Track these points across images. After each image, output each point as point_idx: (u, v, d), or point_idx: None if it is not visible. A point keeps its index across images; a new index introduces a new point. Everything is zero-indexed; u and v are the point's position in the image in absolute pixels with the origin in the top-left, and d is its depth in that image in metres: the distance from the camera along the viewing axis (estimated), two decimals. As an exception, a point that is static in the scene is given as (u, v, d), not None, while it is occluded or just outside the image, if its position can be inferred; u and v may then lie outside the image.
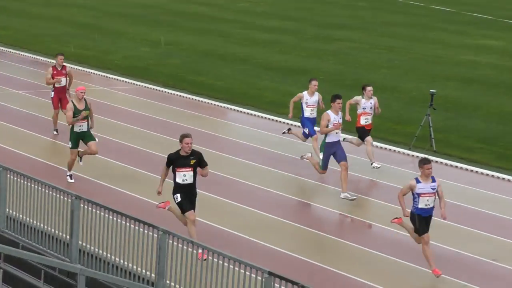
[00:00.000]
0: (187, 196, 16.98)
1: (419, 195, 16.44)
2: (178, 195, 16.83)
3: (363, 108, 23.59)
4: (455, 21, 55.28)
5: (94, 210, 16.67)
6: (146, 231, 15.99)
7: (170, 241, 15.58)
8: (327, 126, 21.04)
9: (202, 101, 32.67)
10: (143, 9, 55.38)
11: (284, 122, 29.69)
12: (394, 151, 26.99)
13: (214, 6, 57.23)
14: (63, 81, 25.67)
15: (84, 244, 16.89)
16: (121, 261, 16.41)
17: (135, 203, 20.73)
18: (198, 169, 17.08)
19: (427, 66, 40.26)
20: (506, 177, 24.82)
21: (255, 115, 30.84)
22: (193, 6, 57.23)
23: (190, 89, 34.14)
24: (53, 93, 25.75)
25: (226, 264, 14.72)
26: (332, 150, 21.17)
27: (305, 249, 18.55)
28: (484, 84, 36.91)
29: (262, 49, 43.27)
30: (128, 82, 35.19)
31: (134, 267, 16.17)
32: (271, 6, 58.68)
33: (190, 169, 16.74)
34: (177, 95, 33.38)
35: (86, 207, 16.76)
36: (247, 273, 14.53)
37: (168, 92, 33.70)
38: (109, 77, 36.07)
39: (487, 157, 26.74)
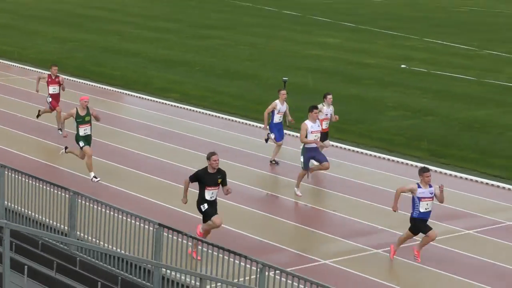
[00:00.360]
0: (212, 206, 15.61)
1: (420, 199, 15.56)
2: (206, 204, 15.38)
3: (326, 114, 22.34)
4: (302, 23, 55.66)
5: (17, 176, 16.50)
6: (59, 193, 15.91)
7: (79, 200, 15.50)
8: (306, 136, 19.80)
9: (102, 87, 32.42)
10: (53, 12, 54.66)
11: (169, 104, 29.66)
12: (256, 126, 27.15)
13: (111, 11, 56.73)
14: (57, 89, 24.24)
15: (9, 204, 16.70)
16: (40, 217, 16.30)
17: (49, 170, 20.64)
18: (223, 188, 15.67)
19: (281, 59, 40.51)
20: (345, 146, 25.24)
21: (145, 98, 30.68)
22: (93, 10, 56.62)
23: (92, 77, 33.85)
24: (50, 99, 24.33)
25: (124, 218, 14.75)
26: (312, 154, 19.98)
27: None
28: (325, 73, 37.28)
29: (150, 45, 43.04)
30: (42, 72, 34.63)
31: (51, 221, 16.07)
32: (157, 10, 58.37)
33: (217, 187, 15.45)
34: (82, 82, 33.05)
35: (10, 174, 16.57)
36: (141, 224, 14.56)
37: (75, 81, 33.30)
38: (26, 68, 35.55)
39: (330, 130, 27.02)
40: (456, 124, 28.86)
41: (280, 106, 22.58)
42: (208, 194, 15.24)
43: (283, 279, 12.93)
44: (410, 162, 23.84)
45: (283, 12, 61.41)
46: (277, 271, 13.04)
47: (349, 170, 22.73)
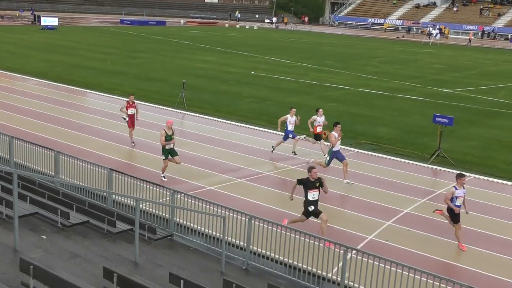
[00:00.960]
0: (315, 206, 13.03)
1: (457, 198, 13.29)
2: (312, 206, 12.90)
3: (318, 122, 20.12)
4: (192, 48, 55.12)
5: (23, 143, 15.76)
6: (49, 152, 15.26)
7: (61, 156, 14.87)
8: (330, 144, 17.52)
9: (73, 88, 31.15)
10: (40, 44, 52.02)
11: (114, 98, 28.81)
12: (167, 109, 26.71)
13: (77, 42, 54.55)
14: (133, 111, 20.28)
15: (16, 160, 15.94)
16: (36, 166, 15.61)
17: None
18: (322, 189, 13.14)
19: (180, 69, 39.91)
20: (220, 120, 24.98)
21: (99, 94, 29.70)
22: (66, 42, 54.35)
23: (67, 83, 32.47)
24: (127, 118, 20.29)
25: (88, 165, 14.30)
26: (335, 155, 17.42)
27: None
28: (207, 77, 36.95)
29: (101, 63, 41.62)
30: (36, 80, 33.13)
31: (44, 169, 15.43)
32: (106, 42, 56.56)
33: (317, 190, 13.02)
34: (62, 86, 31.69)
35: (18, 142, 15.78)
36: (99, 169, 14.14)
37: (57, 85, 31.91)
38: (26, 78, 33.79)
39: (211, 110, 26.91)
40: (284, 106, 28.90)
41: (290, 118, 20.16)
42: (310, 195, 12.99)
43: (187, 199, 12.77)
44: (257, 128, 23.98)
45: (182, 42, 60.67)
46: (183, 194, 12.87)
47: (223, 133, 22.64)
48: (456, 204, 13.20)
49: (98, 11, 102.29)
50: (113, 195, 13.84)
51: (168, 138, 16.62)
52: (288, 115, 20.31)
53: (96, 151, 19.04)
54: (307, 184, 12.96)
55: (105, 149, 19.24)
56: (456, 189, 13.25)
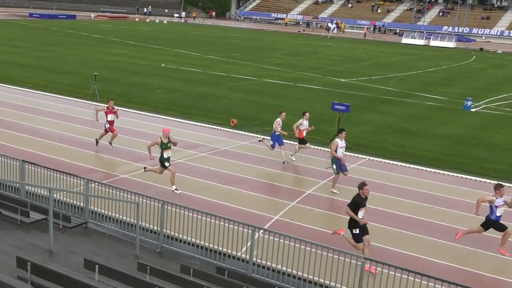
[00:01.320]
0: (363, 229, 11.56)
1: (497, 207, 12.34)
2: (358, 229, 11.48)
3: (304, 126, 18.45)
4: (104, 41, 53.60)
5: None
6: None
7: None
8: (336, 151, 15.68)
9: (12, 87, 29.69)
10: None
11: (25, 91, 27.53)
12: (79, 101, 25.85)
13: (5, 39, 51.79)
14: (113, 117, 18.47)
15: None
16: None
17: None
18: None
19: (92, 62, 38.73)
20: (133, 110, 24.46)
21: (10, 87, 28.24)
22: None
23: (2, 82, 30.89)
24: (108, 124, 18.46)
25: (11, 161, 13.54)
26: (339, 163, 15.75)
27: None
28: (119, 69, 36.13)
29: (11, 56, 39.73)
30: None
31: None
32: (14, 35, 53.91)
33: (365, 207, 11.55)
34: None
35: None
36: (11, 161, 13.47)
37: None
38: None
39: (123, 102, 26.25)
40: (194, 96, 28.98)
41: (280, 123, 18.44)
42: (360, 214, 11.51)
43: (101, 187, 12.48)
44: (169, 118, 23.72)
45: (93, 35, 58.81)
46: (97, 183, 12.55)
47: (136, 123, 22.17)
48: (497, 214, 12.53)
49: (5, 4, 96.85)
50: (26, 186, 13.28)
51: (164, 146, 15.10)
52: (279, 119, 18.51)
53: (8, 143, 18.17)
54: (361, 202, 11.55)
55: (17, 141, 18.40)
56: (497, 198, 12.50)
